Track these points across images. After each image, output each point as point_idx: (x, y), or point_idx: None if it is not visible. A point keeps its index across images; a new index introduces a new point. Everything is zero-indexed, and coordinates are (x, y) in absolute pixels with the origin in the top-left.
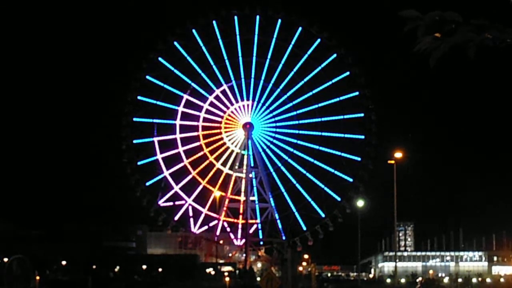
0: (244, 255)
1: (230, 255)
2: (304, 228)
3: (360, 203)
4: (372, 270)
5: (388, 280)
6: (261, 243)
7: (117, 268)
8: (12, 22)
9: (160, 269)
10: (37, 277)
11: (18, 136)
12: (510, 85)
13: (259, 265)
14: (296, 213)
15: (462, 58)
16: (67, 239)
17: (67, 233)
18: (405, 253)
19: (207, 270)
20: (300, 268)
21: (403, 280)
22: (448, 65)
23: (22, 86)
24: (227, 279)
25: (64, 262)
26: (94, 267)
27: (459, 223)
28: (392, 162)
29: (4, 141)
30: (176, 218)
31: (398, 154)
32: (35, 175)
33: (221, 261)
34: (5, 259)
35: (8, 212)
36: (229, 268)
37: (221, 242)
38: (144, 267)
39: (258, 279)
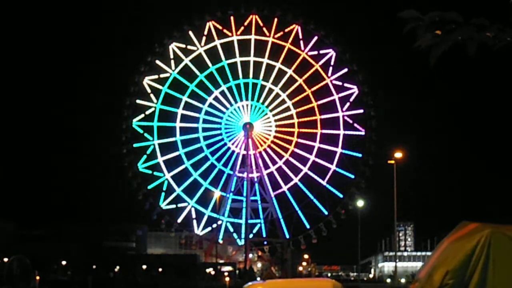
0: (244, 255)
1: (231, 255)
2: (308, 226)
3: (360, 203)
4: (372, 270)
5: (388, 280)
6: (265, 243)
7: (117, 268)
8: (11, 23)
9: (160, 269)
10: (37, 277)
11: (18, 136)
12: (510, 84)
13: (259, 265)
14: (299, 212)
15: (463, 55)
16: (67, 239)
17: (67, 233)
18: (405, 253)
19: (207, 270)
20: (300, 268)
21: (403, 280)
22: (449, 61)
23: (23, 88)
24: (227, 279)
25: (64, 262)
26: (94, 267)
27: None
28: (392, 162)
29: (5, 142)
30: (179, 220)
31: (398, 154)
32: (36, 175)
33: (221, 261)
34: (5, 259)
35: (9, 212)
36: (229, 268)
37: (221, 242)
38: (144, 267)
39: (258, 279)
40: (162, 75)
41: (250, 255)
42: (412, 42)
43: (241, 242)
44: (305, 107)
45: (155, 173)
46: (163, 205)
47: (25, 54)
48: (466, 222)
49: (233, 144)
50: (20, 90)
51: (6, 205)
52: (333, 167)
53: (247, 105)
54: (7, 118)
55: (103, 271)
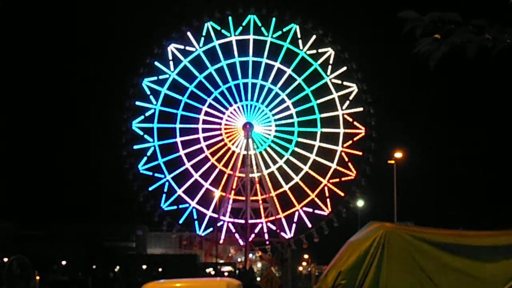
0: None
1: (231, 255)
2: (309, 225)
3: (360, 203)
4: None
5: None
6: (266, 242)
7: (117, 268)
8: (12, 24)
9: (160, 269)
10: (37, 277)
11: (19, 136)
12: (510, 85)
13: (259, 265)
14: (300, 211)
15: (463, 56)
16: (67, 239)
17: (67, 233)
18: None
19: (207, 270)
20: (300, 268)
21: None
22: (449, 62)
23: (22, 88)
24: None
25: (64, 262)
26: (94, 267)
27: (459, 223)
28: (392, 162)
29: (5, 141)
30: (181, 221)
31: (398, 154)
32: (36, 175)
33: (221, 261)
34: (5, 259)
35: (8, 212)
36: (229, 268)
37: (221, 242)
38: (144, 267)
39: (258, 279)
40: (161, 77)
41: (251, 255)
42: (411, 41)
43: (242, 242)
44: (305, 106)
45: (155, 174)
46: (164, 206)
47: (22, 56)
48: (372, 222)
49: (233, 144)
50: (19, 91)
51: (6, 205)
52: (333, 165)
53: (246, 105)
54: (6, 118)
55: (103, 271)
